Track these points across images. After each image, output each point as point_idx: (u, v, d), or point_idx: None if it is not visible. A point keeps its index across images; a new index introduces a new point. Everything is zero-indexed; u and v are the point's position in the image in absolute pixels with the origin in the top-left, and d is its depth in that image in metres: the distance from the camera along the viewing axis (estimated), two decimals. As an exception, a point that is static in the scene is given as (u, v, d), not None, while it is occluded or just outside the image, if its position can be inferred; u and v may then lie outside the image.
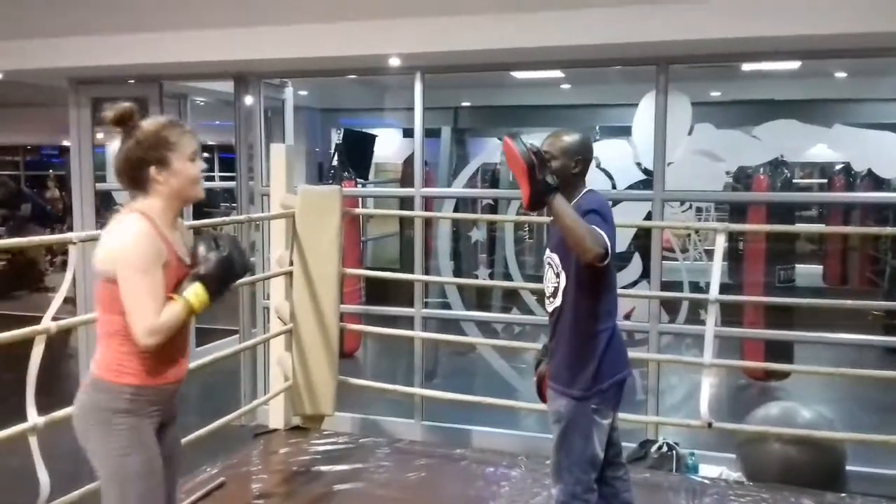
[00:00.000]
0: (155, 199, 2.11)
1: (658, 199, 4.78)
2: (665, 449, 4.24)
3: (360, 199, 7.26)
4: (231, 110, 5.79)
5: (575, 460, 2.53)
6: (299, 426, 4.45)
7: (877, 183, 6.31)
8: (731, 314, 5.42)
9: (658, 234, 4.88)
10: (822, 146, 5.85)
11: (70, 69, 5.63)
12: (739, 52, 4.70)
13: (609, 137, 6.10)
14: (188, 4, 4.99)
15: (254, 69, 5.51)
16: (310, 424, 4.46)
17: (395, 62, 5.02)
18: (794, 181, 7.46)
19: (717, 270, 3.99)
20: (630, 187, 5.33)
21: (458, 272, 6.74)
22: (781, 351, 5.36)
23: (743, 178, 6.23)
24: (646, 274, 5.07)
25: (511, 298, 6.32)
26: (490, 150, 7.81)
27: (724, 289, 4.25)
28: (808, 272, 9.09)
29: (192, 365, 2.27)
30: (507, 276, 6.14)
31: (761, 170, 5.75)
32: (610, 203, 2.57)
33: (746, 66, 5.66)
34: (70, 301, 5.63)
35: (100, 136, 6.22)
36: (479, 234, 6.98)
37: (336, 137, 7.26)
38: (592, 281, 2.48)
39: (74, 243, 2.95)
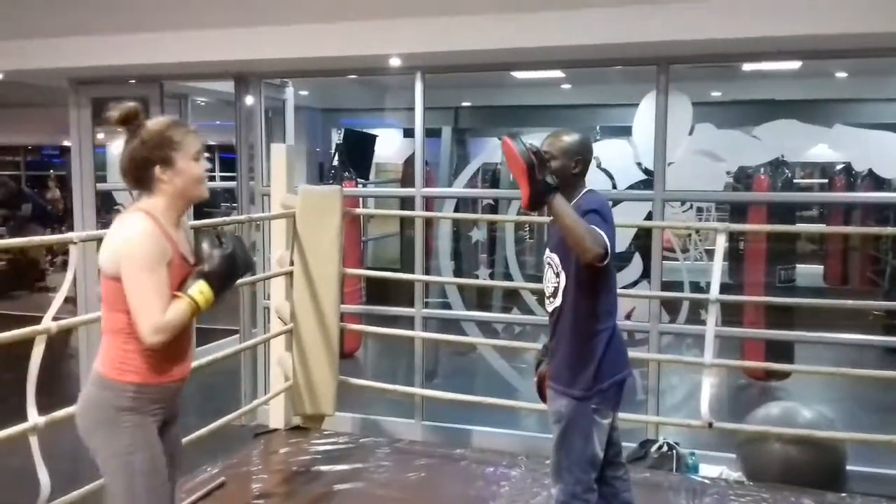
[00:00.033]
0: (159, 199, 2.12)
1: (658, 199, 4.78)
2: (665, 449, 4.23)
3: (360, 199, 7.27)
4: (232, 110, 5.79)
5: (575, 460, 2.53)
6: (299, 426, 4.45)
7: (877, 183, 6.29)
8: (731, 314, 5.40)
9: (658, 234, 4.88)
10: (822, 146, 5.86)
11: (70, 69, 5.63)
12: (740, 52, 4.70)
13: (609, 137, 6.11)
14: (188, 4, 4.99)
15: (254, 69, 5.51)
16: (310, 424, 4.46)
17: (395, 62, 5.02)
18: (795, 181, 7.45)
19: (717, 270, 3.98)
20: (630, 187, 5.33)
21: (458, 272, 6.75)
22: (782, 351, 5.36)
23: (743, 178, 6.22)
24: (646, 274, 5.07)
25: (511, 298, 6.32)
26: (490, 150, 7.80)
27: (724, 289, 4.24)
28: (809, 272, 9.06)
29: (193, 365, 2.27)
30: (508, 276, 6.12)
31: (762, 170, 5.75)
32: (610, 203, 2.57)
33: (747, 66, 5.65)
34: (70, 301, 5.64)
35: (100, 136, 6.23)
36: (479, 234, 6.97)
37: (336, 137, 7.26)
38: (592, 281, 2.48)
39: (75, 243, 2.95)
